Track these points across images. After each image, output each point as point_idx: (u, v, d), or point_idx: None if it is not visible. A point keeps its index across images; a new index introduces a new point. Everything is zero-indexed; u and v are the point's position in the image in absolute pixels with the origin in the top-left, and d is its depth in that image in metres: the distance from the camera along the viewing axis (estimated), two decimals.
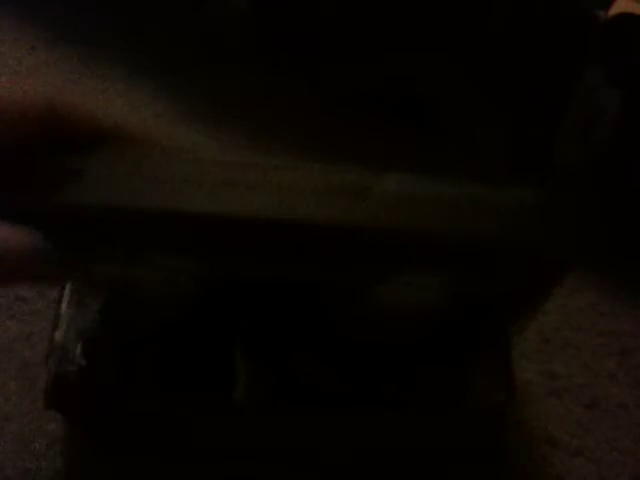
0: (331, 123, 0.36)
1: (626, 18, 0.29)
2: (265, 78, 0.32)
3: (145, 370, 0.30)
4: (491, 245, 0.24)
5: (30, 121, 0.23)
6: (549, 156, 0.36)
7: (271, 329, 0.30)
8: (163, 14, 0.32)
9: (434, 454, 0.31)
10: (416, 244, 0.24)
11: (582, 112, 0.34)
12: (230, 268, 0.26)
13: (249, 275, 0.26)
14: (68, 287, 0.31)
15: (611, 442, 0.32)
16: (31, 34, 0.42)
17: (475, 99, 0.30)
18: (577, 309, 0.36)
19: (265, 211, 0.23)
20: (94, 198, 0.23)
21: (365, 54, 0.32)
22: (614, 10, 0.29)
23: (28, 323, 0.35)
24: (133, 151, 0.24)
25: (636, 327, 0.35)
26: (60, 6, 0.40)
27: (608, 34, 0.29)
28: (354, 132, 0.36)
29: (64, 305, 0.31)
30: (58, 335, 0.30)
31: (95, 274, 0.26)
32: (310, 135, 0.36)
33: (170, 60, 0.37)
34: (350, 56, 0.32)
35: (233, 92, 0.36)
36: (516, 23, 0.32)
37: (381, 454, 0.31)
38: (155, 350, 0.30)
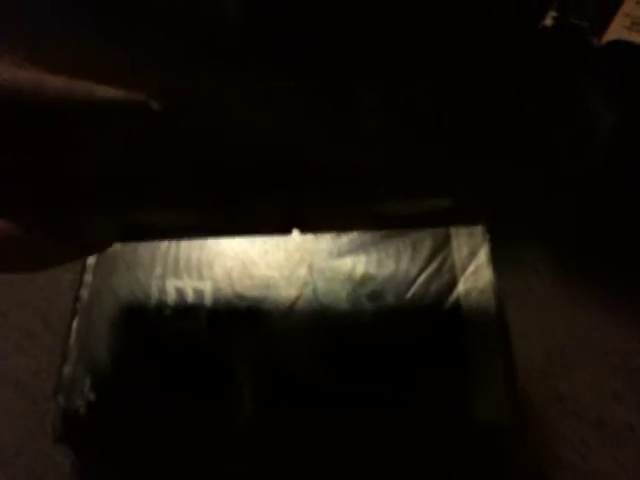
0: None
1: (621, 44, 0.29)
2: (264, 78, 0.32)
3: (146, 375, 0.30)
4: None
5: None
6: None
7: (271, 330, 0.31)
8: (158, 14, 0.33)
9: (434, 455, 0.31)
10: None
11: (581, 118, 0.34)
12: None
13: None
14: (76, 321, 0.31)
15: (618, 462, 0.32)
16: None
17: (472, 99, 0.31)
18: (582, 329, 0.36)
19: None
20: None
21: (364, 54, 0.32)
22: (607, 38, 0.29)
23: (36, 357, 0.36)
24: None
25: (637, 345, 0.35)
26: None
27: (605, 57, 0.30)
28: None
29: (72, 339, 0.31)
30: (67, 369, 0.30)
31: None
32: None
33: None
34: (349, 56, 0.32)
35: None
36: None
37: (381, 454, 0.31)
38: (156, 357, 0.31)
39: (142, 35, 0.35)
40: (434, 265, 0.32)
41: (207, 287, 0.32)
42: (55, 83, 0.22)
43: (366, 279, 0.32)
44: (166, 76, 0.26)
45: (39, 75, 0.22)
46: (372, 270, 0.32)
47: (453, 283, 0.32)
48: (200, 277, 0.32)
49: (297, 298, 0.32)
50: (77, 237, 0.25)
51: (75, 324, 0.31)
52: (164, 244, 0.33)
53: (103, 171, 0.23)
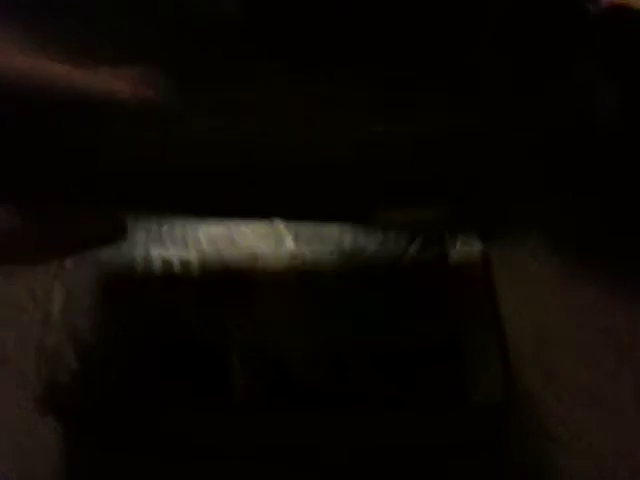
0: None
1: (620, 11, 0.29)
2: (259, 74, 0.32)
3: (130, 346, 0.30)
4: None
5: None
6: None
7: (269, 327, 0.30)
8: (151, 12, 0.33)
9: (434, 452, 0.31)
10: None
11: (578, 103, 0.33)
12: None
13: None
14: (60, 290, 0.31)
15: (611, 440, 0.32)
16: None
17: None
18: (575, 307, 0.36)
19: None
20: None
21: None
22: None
23: (23, 331, 0.35)
24: None
25: (635, 324, 0.35)
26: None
27: (602, 26, 0.29)
28: None
29: (56, 308, 0.31)
30: (50, 339, 0.30)
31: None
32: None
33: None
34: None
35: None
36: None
37: (380, 453, 0.31)
38: (141, 328, 0.30)
39: (144, 28, 0.35)
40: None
41: (193, 257, 0.32)
42: (60, 71, 0.22)
43: (355, 249, 0.32)
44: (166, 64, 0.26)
45: (45, 63, 0.22)
46: (361, 240, 0.32)
47: (443, 254, 0.32)
48: (185, 246, 0.32)
49: (286, 271, 0.31)
50: (73, 234, 0.25)
51: (58, 293, 0.31)
52: None
53: (102, 169, 0.23)
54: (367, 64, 0.33)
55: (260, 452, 0.31)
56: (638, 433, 0.32)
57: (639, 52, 0.31)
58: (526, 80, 0.34)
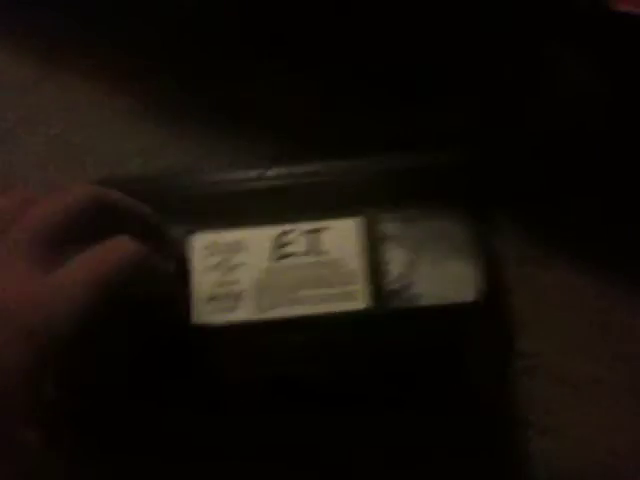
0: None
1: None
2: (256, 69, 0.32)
3: (142, 370, 0.30)
4: None
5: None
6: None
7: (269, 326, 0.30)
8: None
9: (434, 452, 0.31)
10: None
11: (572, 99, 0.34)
12: None
13: None
14: None
15: (587, 418, 0.32)
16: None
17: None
18: (545, 285, 0.35)
19: None
20: None
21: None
22: None
23: None
24: None
25: (606, 301, 0.35)
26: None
27: (592, 21, 0.29)
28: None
29: None
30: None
31: None
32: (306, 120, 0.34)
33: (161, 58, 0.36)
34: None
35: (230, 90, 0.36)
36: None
37: (380, 453, 0.31)
38: (151, 350, 0.30)
39: (144, 28, 0.36)
40: None
41: None
42: None
43: None
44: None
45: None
46: None
47: None
48: None
49: None
50: None
51: None
52: None
53: None
54: (367, 64, 0.33)
55: (260, 452, 0.31)
56: (613, 408, 0.32)
57: (628, 47, 0.31)
58: (526, 81, 0.34)
